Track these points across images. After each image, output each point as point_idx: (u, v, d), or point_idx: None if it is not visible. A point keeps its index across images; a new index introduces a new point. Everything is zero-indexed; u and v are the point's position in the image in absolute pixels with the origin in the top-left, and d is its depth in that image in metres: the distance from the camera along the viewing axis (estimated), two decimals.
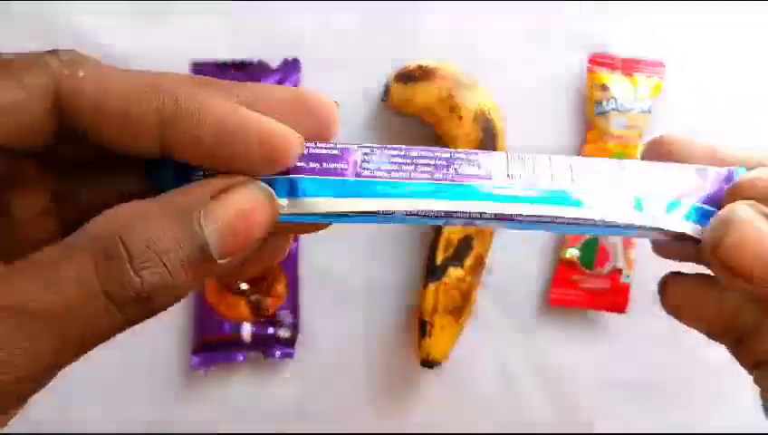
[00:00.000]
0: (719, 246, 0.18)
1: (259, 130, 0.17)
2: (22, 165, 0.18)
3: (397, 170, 0.21)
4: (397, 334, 0.49)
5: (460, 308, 0.45)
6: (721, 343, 0.22)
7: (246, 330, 0.47)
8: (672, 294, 0.22)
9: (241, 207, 0.17)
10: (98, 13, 0.46)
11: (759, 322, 0.21)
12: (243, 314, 0.47)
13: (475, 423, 0.49)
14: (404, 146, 0.21)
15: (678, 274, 0.22)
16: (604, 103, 0.47)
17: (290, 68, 0.47)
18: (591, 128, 0.48)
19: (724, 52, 0.49)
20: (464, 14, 0.48)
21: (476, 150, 0.21)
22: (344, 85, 0.47)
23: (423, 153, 0.21)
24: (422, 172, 0.21)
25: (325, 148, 0.20)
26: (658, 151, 0.23)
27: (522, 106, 0.48)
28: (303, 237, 0.48)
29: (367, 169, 0.20)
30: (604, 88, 0.47)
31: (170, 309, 0.46)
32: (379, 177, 0.20)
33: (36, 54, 0.17)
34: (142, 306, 0.16)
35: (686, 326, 0.23)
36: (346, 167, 0.20)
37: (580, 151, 0.49)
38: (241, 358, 0.47)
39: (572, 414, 0.50)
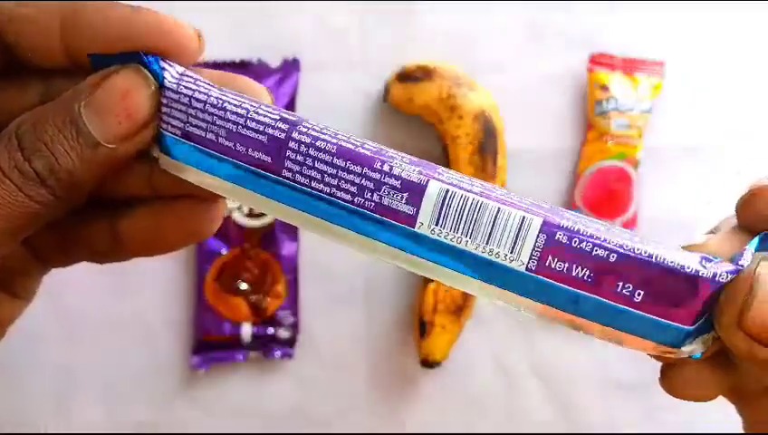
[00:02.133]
0: (746, 311, 0.16)
1: (151, 20, 0.19)
2: None
3: (319, 179, 0.18)
4: (397, 334, 0.49)
5: (460, 308, 0.45)
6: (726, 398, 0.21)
7: (246, 330, 0.47)
8: (675, 377, 0.20)
9: (116, 87, 0.18)
10: None
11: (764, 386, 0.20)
12: (243, 314, 0.47)
13: (475, 423, 0.49)
14: (351, 147, 0.18)
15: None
16: (604, 103, 0.47)
17: (290, 68, 0.47)
18: (591, 128, 0.48)
19: (724, 51, 0.49)
20: (464, 13, 0.48)
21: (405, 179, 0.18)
22: (344, 85, 0.47)
23: (352, 164, 0.18)
24: (343, 190, 0.18)
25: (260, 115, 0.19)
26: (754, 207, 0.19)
27: (522, 106, 0.48)
28: (303, 238, 0.48)
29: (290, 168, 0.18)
30: (604, 88, 0.47)
31: (170, 309, 0.46)
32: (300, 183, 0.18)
33: None
34: (41, 186, 0.18)
35: None
36: (267, 159, 0.18)
37: (580, 151, 0.49)
38: (241, 358, 0.47)
39: (572, 414, 0.50)
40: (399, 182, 0.17)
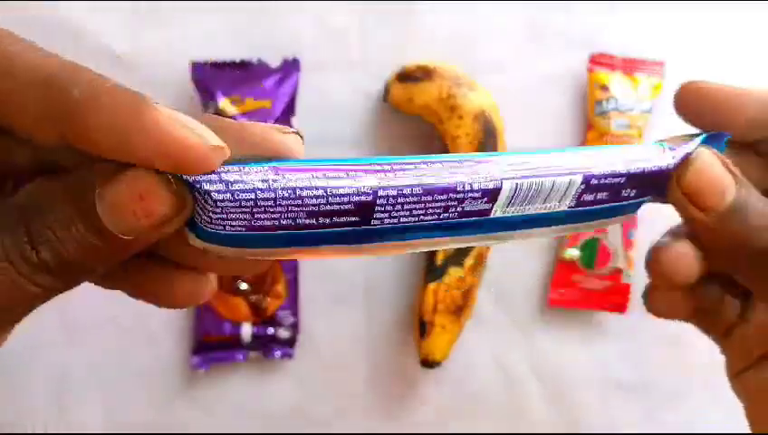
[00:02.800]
0: (682, 176, 0.22)
1: (160, 138, 0.16)
2: None
3: (406, 215, 0.20)
4: (397, 334, 0.49)
5: (460, 308, 0.45)
6: (688, 322, 0.26)
7: (246, 330, 0.47)
8: (655, 302, 0.26)
9: (134, 187, 0.17)
10: (98, 12, 0.46)
11: (718, 299, 0.25)
12: (243, 314, 0.47)
13: (475, 423, 0.49)
14: (433, 181, 0.19)
15: (657, 286, 0.26)
16: (604, 103, 0.47)
17: (290, 68, 0.47)
18: (591, 128, 0.48)
19: (724, 51, 0.49)
20: (464, 13, 0.48)
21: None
22: (344, 85, 0.47)
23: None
24: (429, 215, 0.20)
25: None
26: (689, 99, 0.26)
27: (522, 106, 0.48)
28: None
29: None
30: (604, 88, 0.47)
31: (170, 309, 0.46)
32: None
33: None
34: (52, 278, 0.18)
35: (683, 327, 0.27)
36: None
37: None
38: (241, 358, 0.47)
39: (572, 414, 0.50)
40: (480, 193, 0.20)
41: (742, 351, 0.25)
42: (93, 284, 0.21)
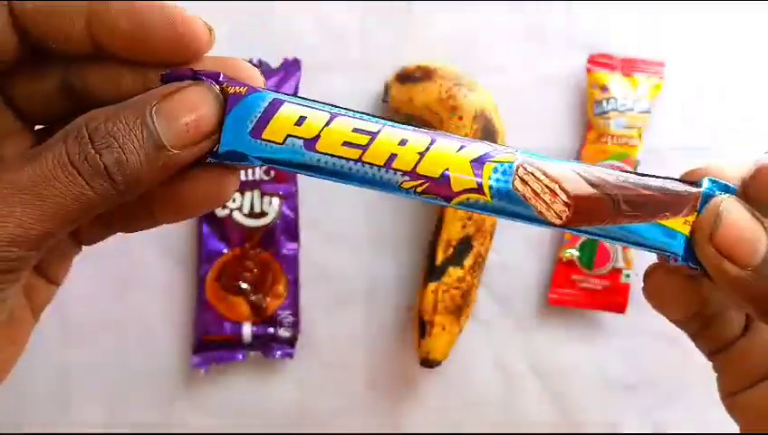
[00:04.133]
0: (714, 231, 0.21)
1: (166, 12, 0.20)
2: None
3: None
4: (397, 334, 0.49)
5: (460, 308, 0.46)
6: (684, 329, 0.25)
7: (246, 330, 0.47)
8: (654, 283, 0.25)
9: (187, 99, 0.20)
10: None
11: (722, 310, 0.24)
12: (243, 314, 0.47)
13: (475, 423, 0.49)
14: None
15: (661, 266, 0.25)
16: (604, 103, 0.47)
17: (290, 68, 0.47)
18: (591, 128, 0.48)
19: (724, 52, 0.49)
20: (464, 14, 0.48)
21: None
22: (344, 85, 0.47)
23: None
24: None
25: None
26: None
27: (522, 106, 0.48)
28: (304, 237, 0.48)
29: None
30: (604, 88, 0.47)
31: (171, 309, 0.46)
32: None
33: None
34: (105, 181, 0.19)
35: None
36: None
37: (580, 151, 0.49)
38: (241, 358, 0.47)
39: (572, 414, 0.50)
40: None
41: (741, 370, 0.24)
42: (129, 232, 0.24)
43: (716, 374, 0.25)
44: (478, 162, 0.20)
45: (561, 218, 0.20)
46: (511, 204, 0.20)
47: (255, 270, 0.47)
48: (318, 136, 0.20)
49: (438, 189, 0.20)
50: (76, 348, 0.47)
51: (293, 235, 0.47)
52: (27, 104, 0.22)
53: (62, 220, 0.19)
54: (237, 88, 0.21)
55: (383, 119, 0.21)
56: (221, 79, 0.21)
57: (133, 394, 0.47)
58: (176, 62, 0.21)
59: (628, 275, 0.48)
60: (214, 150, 0.21)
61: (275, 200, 0.47)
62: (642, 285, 0.25)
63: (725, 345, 0.25)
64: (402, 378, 0.49)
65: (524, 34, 0.48)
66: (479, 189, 0.20)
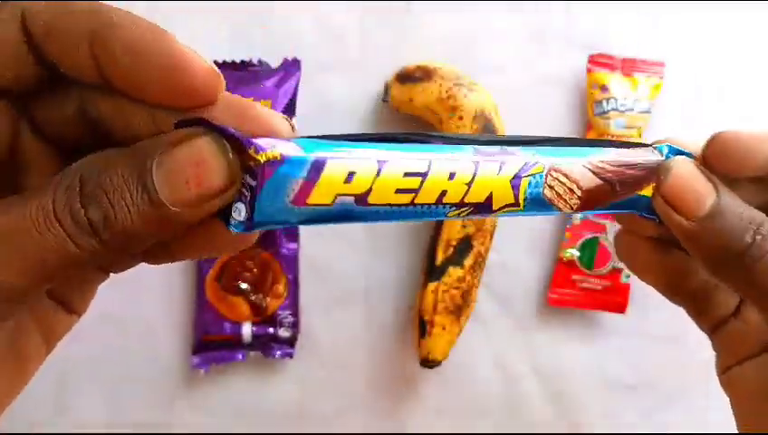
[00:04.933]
0: (662, 183, 0.23)
1: (171, 52, 0.18)
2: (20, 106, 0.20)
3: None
4: (397, 334, 0.49)
5: (460, 308, 0.46)
6: (679, 305, 0.26)
7: (246, 330, 0.47)
8: (624, 246, 0.26)
9: (192, 152, 0.18)
10: None
11: (708, 286, 0.25)
12: (243, 314, 0.47)
13: (475, 423, 0.49)
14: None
15: (627, 231, 0.26)
16: (604, 103, 0.47)
17: (290, 68, 0.47)
18: (591, 128, 0.48)
19: (724, 52, 0.49)
20: (463, 14, 0.48)
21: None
22: (344, 85, 0.47)
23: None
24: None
25: None
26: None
27: (522, 106, 0.48)
28: (304, 237, 0.48)
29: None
30: (604, 88, 0.47)
31: (171, 309, 0.46)
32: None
33: None
34: (92, 239, 0.17)
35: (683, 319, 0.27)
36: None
37: None
38: (241, 358, 0.47)
39: (572, 414, 0.50)
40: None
41: (731, 347, 0.25)
42: (151, 263, 0.23)
43: (715, 353, 0.27)
44: (516, 179, 0.21)
45: (572, 208, 0.22)
46: (538, 208, 0.22)
47: (255, 270, 0.47)
48: (369, 190, 0.19)
49: (481, 210, 0.21)
50: (76, 348, 0.47)
51: (293, 235, 0.47)
52: (52, 129, 0.20)
53: (39, 274, 0.17)
54: (269, 154, 0.18)
55: (428, 142, 0.20)
56: (242, 138, 0.18)
57: (133, 394, 0.47)
58: (181, 107, 0.19)
59: (628, 276, 0.48)
60: (241, 218, 0.18)
61: None
62: (614, 246, 0.27)
63: (719, 323, 0.26)
64: (402, 378, 0.49)
65: (524, 34, 0.48)
66: (515, 203, 0.21)
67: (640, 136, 0.48)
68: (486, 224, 0.45)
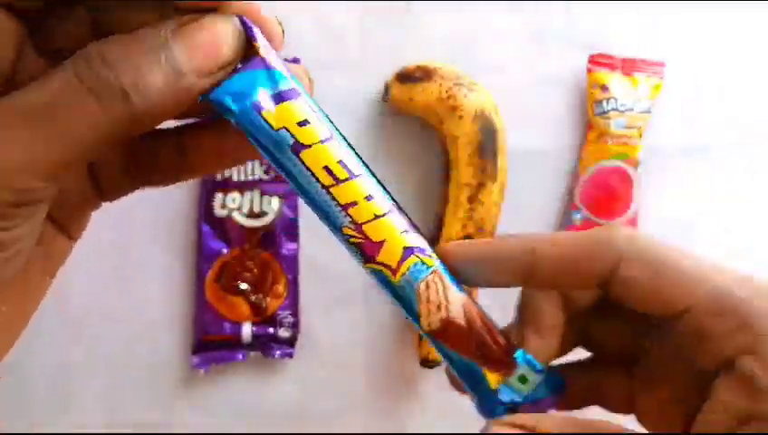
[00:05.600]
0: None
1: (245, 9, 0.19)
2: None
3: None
4: (397, 334, 0.49)
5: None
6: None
7: (246, 330, 0.47)
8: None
9: (207, 25, 0.19)
10: None
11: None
12: (243, 314, 0.47)
13: (476, 423, 0.49)
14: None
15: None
16: (604, 103, 0.47)
17: None
18: (591, 128, 0.48)
19: (724, 52, 0.49)
20: (463, 14, 0.48)
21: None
22: (344, 85, 0.47)
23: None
24: None
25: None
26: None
27: (522, 106, 0.48)
28: (304, 237, 0.48)
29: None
30: (604, 88, 0.47)
31: (171, 309, 0.46)
32: None
33: None
34: (120, 104, 0.17)
35: None
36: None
37: (580, 151, 0.49)
38: (241, 358, 0.47)
39: (572, 414, 0.50)
40: None
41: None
42: (158, 186, 0.23)
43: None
44: (409, 251, 0.22)
45: (429, 326, 0.22)
46: (406, 294, 0.22)
47: (255, 270, 0.47)
48: (308, 146, 0.20)
49: (366, 249, 0.22)
50: (76, 348, 0.47)
51: (293, 235, 0.47)
52: (58, 46, 0.20)
53: (73, 147, 0.17)
54: (267, 54, 0.20)
55: (367, 167, 0.22)
56: (251, 27, 0.20)
57: (133, 394, 0.47)
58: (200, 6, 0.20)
59: None
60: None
61: (275, 200, 0.47)
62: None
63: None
64: (402, 378, 0.49)
65: (524, 34, 0.48)
66: (395, 270, 0.22)
67: (640, 136, 0.48)
68: (487, 224, 0.45)
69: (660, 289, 0.21)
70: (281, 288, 0.47)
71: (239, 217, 0.47)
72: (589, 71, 0.48)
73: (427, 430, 0.49)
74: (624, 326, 0.24)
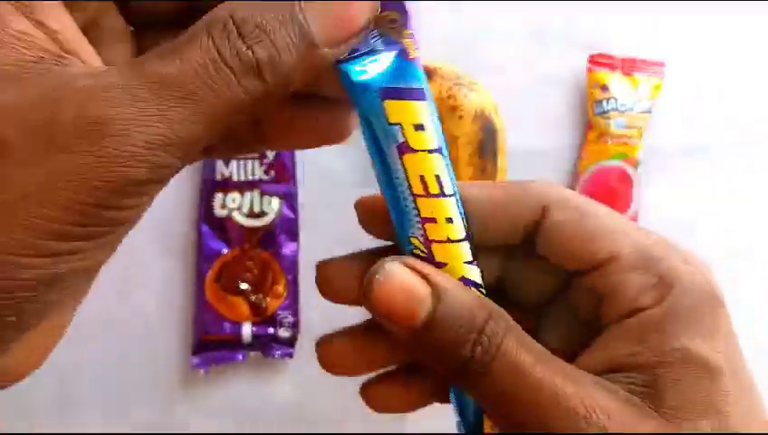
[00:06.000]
0: (366, 297, 0.21)
1: None
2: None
3: None
4: None
5: None
6: None
7: (246, 330, 0.47)
8: (326, 354, 0.26)
9: None
10: None
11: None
12: (243, 314, 0.47)
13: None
14: None
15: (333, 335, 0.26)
16: (604, 103, 0.47)
17: None
18: (591, 128, 0.48)
19: (724, 52, 0.49)
20: (463, 14, 0.48)
21: None
22: None
23: None
24: None
25: None
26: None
27: (522, 106, 0.48)
28: (304, 237, 0.48)
29: None
30: (604, 88, 0.47)
31: (171, 309, 0.46)
32: None
33: None
34: (256, 78, 0.17)
35: None
36: None
37: (580, 151, 0.49)
38: (241, 358, 0.47)
39: None
40: None
41: None
42: (234, 154, 0.22)
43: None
44: (467, 282, 0.21)
45: None
46: None
47: (255, 270, 0.47)
48: (414, 151, 0.20)
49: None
50: (76, 348, 0.47)
51: (293, 235, 0.47)
52: (137, 7, 0.20)
53: (210, 123, 0.17)
54: (414, 47, 0.20)
55: (457, 191, 0.21)
56: (410, 16, 0.20)
57: (133, 394, 0.47)
58: None
59: None
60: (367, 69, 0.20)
61: (275, 200, 0.47)
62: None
63: None
64: None
65: (524, 34, 0.48)
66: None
67: (640, 136, 0.48)
68: None
69: (585, 237, 0.20)
70: (281, 288, 0.47)
71: (239, 218, 0.47)
72: (589, 71, 0.48)
73: (427, 430, 0.49)
74: (538, 277, 0.23)
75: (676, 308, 0.19)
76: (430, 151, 0.20)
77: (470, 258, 0.21)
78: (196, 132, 0.16)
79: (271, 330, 0.47)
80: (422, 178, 0.20)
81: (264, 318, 0.47)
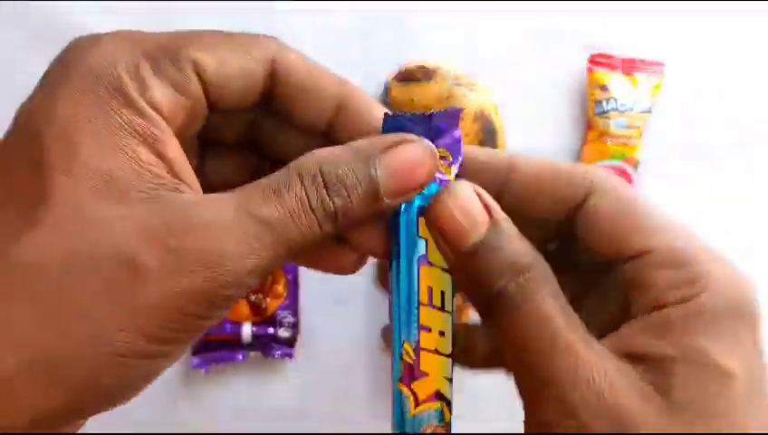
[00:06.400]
0: (429, 209, 0.22)
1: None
2: (231, 122, 0.24)
3: None
4: None
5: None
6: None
7: (246, 330, 0.47)
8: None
9: (408, 157, 0.21)
10: (98, 13, 0.46)
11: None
12: (243, 314, 0.47)
13: (476, 423, 0.49)
14: None
15: None
16: (604, 103, 0.47)
17: None
18: (591, 128, 0.48)
19: (723, 52, 0.49)
20: (464, 13, 0.48)
21: None
22: None
23: None
24: None
25: None
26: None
27: (522, 106, 0.48)
28: None
29: None
30: (604, 88, 0.47)
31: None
32: None
33: (254, 35, 0.23)
34: (332, 224, 0.20)
35: None
36: None
37: (580, 151, 0.49)
38: (241, 358, 0.47)
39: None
40: None
41: None
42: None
43: None
44: (440, 396, 0.25)
45: None
46: (412, 428, 0.25)
47: None
48: (432, 265, 0.23)
49: (410, 371, 0.24)
50: None
51: None
52: (213, 136, 0.24)
53: (291, 253, 0.20)
54: (451, 172, 0.22)
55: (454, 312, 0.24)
56: (456, 156, 0.22)
57: None
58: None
59: None
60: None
61: None
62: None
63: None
64: None
65: (525, 34, 0.48)
66: (418, 403, 0.25)
67: (640, 136, 0.48)
68: None
69: (625, 225, 0.21)
70: (281, 288, 0.47)
71: None
72: (589, 71, 0.48)
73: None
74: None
75: (700, 310, 0.19)
76: (444, 269, 0.22)
77: (450, 375, 0.24)
78: (281, 261, 0.20)
79: (271, 330, 0.47)
80: (430, 289, 0.23)
81: (263, 318, 0.47)
